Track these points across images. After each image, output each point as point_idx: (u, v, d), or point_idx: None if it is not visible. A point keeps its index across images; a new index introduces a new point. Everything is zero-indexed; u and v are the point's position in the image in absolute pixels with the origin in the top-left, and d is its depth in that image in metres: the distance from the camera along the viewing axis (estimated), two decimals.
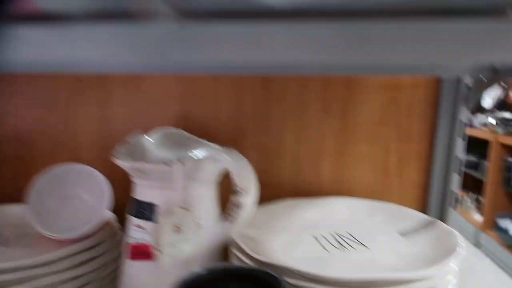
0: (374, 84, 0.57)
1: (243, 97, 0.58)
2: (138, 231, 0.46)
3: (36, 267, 0.41)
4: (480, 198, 2.82)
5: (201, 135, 0.52)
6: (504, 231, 2.41)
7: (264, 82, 0.58)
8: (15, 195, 0.56)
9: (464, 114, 0.54)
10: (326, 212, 0.55)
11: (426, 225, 0.48)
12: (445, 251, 0.41)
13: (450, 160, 0.56)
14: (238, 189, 0.38)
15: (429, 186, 0.58)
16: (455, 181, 0.56)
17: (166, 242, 0.43)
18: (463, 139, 0.54)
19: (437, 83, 0.55)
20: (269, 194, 0.61)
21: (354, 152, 0.59)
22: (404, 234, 0.48)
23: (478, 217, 2.78)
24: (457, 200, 0.56)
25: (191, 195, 0.44)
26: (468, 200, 3.00)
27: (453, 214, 0.56)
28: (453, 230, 0.45)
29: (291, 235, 0.49)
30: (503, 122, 2.63)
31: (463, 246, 0.41)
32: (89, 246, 0.46)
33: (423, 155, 0.58)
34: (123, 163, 0.43)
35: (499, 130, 2.59)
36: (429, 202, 0.58)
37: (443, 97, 0.55)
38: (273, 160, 0.60)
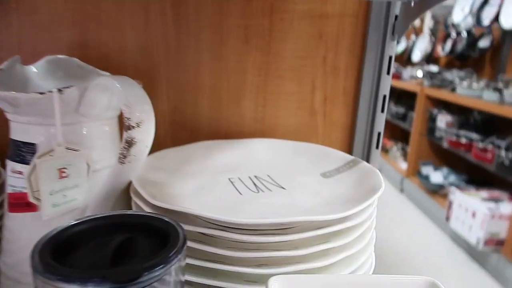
0: (300, 12, 0.51)
1: (151, 24, 0.50)
2: (16, 177, 0.38)
3: None
4: (407, 147, 2.99)
5: (103, 67, 0.44)
6: (425, 177, 2.59)
7: (174, 5, 0.49)
8: None
9: (391, 48, 0.50)
10: (246, 154, 0.50)
11: (349, 165, 0.45)
12: (366, 191, 0.38)
13: (376, 98, 0.52)
14: (129, 122, 0.31)
15: (354, 125, 0.55)
16: (381, 121, 0.54)
17: (48, 189, 0.36)
18: (387, 73, 0.50)
19: (365, 12, 0.51)
20: (184, 135, 0.54)
21: (277, 89, 0.54)
22: (326, 175, 0.45)
23: (404, 166, 2.96)
24: (380, 145, 0.54)
25: (79, 132, 0.37)
26: (395, 149, 3.17)
27: (376, 154, 0.54)
28: (375, 169, 0.42)
29: (204, 179, 0.43)
30: (430, 75, 2.74)
31: (383, 185, 0.38)
32: None
33: (349, 93, 0.54)
34: None
35: (426, 82, 2.70)
36: (354, 142, 0.55)
37: (371, 28, 0.51)
38: (188, 97, 0.53)
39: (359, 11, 0.51)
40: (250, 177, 0.44)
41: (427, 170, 2.63)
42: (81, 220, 0.28)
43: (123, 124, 0.34)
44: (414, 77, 2.85)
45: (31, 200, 0.36)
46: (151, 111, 0.33)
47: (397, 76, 3.21)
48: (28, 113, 0.36)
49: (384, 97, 0.52)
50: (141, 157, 0.34)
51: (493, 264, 1.90)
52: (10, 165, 0.38)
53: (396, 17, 0.49)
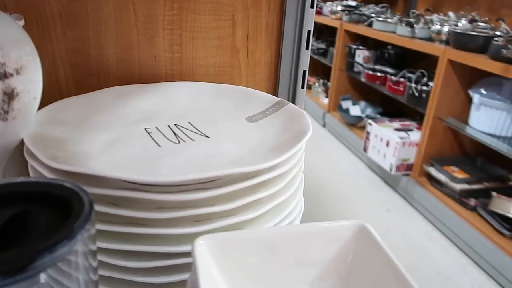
0: None
1: None
2: None
3: None
4: (328, 83, 3.07)
5: None
6: (345, 111, 2.71)
7: None
8: None
9: None
10: (163, 100, 0.45)
11: (275, 107, 0.42)
12: (294, 135, 0.36)
13: (301, 34, 0.49)
14: (5, 69, 0.25)
15: (279, 64, 0.52)
16: (306, 58, 0.51)
17: None
18: (311, 7, 0.47)
19: None
20: (90, 81, 0.47)
21: (194, 25, 0.48)
22: (252, 119, 0.42)
23: (326, 101, 3.07)
24: (305, 84, 0.52)
25: None
26: (317, 85, 3.25)
27: (302, 94, 0.52)
28: (302, 111, 0.40)
29: (115, 132, 0.38)
30: (348, 9, 2.77)
31: (310, 128, 0.36)
32: None
33: (273, 29, 0.50)
34: None
35: (344, 17, 2.73)
36: (279, 82, 0.52)
37: None
38: (89, 34, 0.45)
39: None
40: (169, 126, 0.40)
41: (346, 104, 2.75)
42: None
43: None
44: (334, 11, 2.86)
45: None
46: (35, 54, 0.27)
47: (318, 12, 3.21)
48: None
49: (309, 33, 0.49)
50: (30, 111, 0.28)
51: (403, 187, 2.11)
52: None
53: None
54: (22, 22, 0.32)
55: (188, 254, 0.30)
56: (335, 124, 2.86)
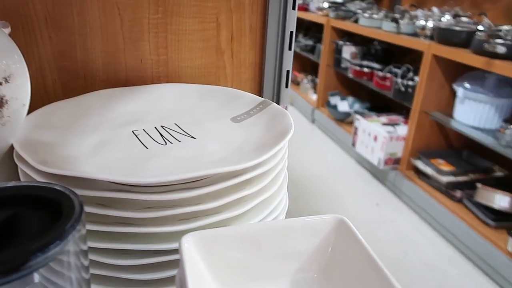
0: None
1: None
2: None
3: None
4: (316, 79, 3.10)
5: None
6: (333, 107, 2.74)
7: None
8: None
9: None
10: (149, 102, 0.46)
11: (259, 107, 0.44)
12: (277, 134, 0.37)
13: (284, 35, 0.51)
14: None
15: (263, 65, 0.53)
16: (289, 58, 0.52)
17: None
18: (293, 8, 0.48)
19: None
20: (77, 84, 0.48)
21: (179, 27, 0.49)
22: (237, 119, 0.43)
23: (314, 97, 3.09)
24: (289, 84, 0.53)
25: None
26: (305, 81, 3.27)
27: (286, 93, 0.54)
28: (285, 111, 0.41)
29: (103, 135, 0.39)
30: (335, 5, 2.79)
31: (293, 127, 0.38)
32: None
33: (256, 30, 0.52)
34: None
35: (331, 14, 2.75)
36: (264, 82, 0.54)
37: None
38: (75, 39, 0.46)
39: None
40: (156, 128, 0.41)
41: (334, 100, 2.77)
42: None
43: None
44: (320, 8, 2.88)
45: None
46: (22, 62, 0.28)
47: (305, 8, 3.22)
48: None
49: (291, 33, 0.51)
50: (19, 117, 0.29)
51: (391, 180, 2.14)
52: None
53: None
54: (8, 30, 0.33)
55: (176, 251, 0.32)
56: (324, 120, 2.89)
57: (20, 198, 0.25)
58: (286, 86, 0.53)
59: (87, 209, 0.30)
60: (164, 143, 0.38)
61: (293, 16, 0.49)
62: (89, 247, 0.31)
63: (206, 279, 0.27)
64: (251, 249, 0.28)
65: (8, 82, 0.26)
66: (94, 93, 0.46)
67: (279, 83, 0.53)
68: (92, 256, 0.31)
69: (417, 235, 1.81)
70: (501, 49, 1.52)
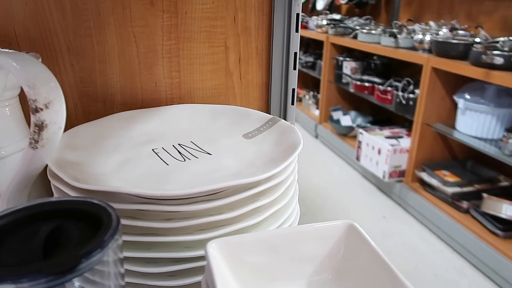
0: None
1: None
2: None
3: None
4: (318, 95, 3.14)
5: None
6: (336, 121, 2.77)
7: None
8: None
9: (297, 5, 0.52)
10: (166, 122, 0.49)
11: (268, 124, 0.47)
12: (286, 148, 0.40)
13: (288, 56, 0.54)
14: (36, 104, 0.29)
15: (270, 84, 0.56)
16: (294, 77, 0.56)
17: None
18: (296, 31, 0.52)
19: None
20: (97, 108, 0.51)
21: (190, 52, 0.53)
22: (248, 135, 0.46)
23: (317, 112, 3.13)
24: (295, 101, 0.56)
25: None
26: (308, 97, 3.32)
27: (292, 110, 0.57)
28: (293, 126, 0.44)
29: (125, 154, 0.42)
30: (333, 23, 2.86)
31: (301, 141, 0.40)
32: None
33: (262, 52, 0.55)
34: None
35: (330, 31, 2.82)
36: (271, 100, 0.57)
37: None
38: (95, 65, 0.50)
39: None
40: (174, 146, 0.44)
41: (337, 115, 2.81)
42: (1, 214, 0.26)
43: (24, 103, 0.31)
44: (319, 26, 2.95)
45: None
46: (59, 89, 0.31)
47: (304, 26, 3.30)
48: None
49: (295, 54, 0.54)
50: (55, 140, 0.32)
51: (397, 193, 2.15)
52: None
53: None
54: (40, 60, 0.37)
55: (197, 258, 0.34)
56: (327, 135, 2.92)
57: (62, 212, 0.28)
58: (292, 103, 0.56)
59: None
60: (183, 160, 0.41)
61: (296, 38, 0.53)
62: None
63: (230, 282, 0.29)
64: (269, 253, 0.31)
65: (48, 108, 0.29)
66: (113, 115, 0.50)
67: (285, 101, 0.56)
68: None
69: (426, 247, 1.81)
70: (499, 60, 1.56)
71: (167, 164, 0.40)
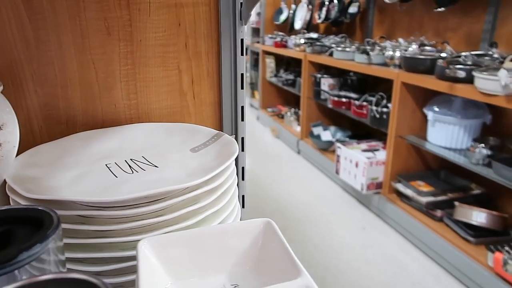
0: (155, 3, 0.55)
1: (3, 19, 0.50)
2: None
3: None
4: (299, 111, 3.22)
5: None
6: (316, 137, 2.84)
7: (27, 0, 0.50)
8: None
9: (241, 31, 0.58)
10: (122, 140, 0.54)
11: (214, 139, 0.52)
12: (224, 158, 0.45)
13: (236, 77, 0.60)
14: None
15: (221, 103, 0.62)
16: (242, 96, 0.61)
17: None
18: (241, 55, 0.58)
19: (216, 0, 0.57)
20: (60, 129, 0.56)
21: (146, 76, 0.58)
22: (195, 149, 0.51)
23: (298, 128, 3.20)
24: (245, 118, 0.62)
25: None
26: (289, 114, 3.39)
27: (243, 126, 0.62)
28: (233, 139, 0.50)
29: (82, 169, 0.47)
30: (310, 41, 2.96)
31: (237, 151, 0.46)
32: None
33: (213, 74, 0.61)
34: None
35: (308, 49, 2.91)
36: (223, 118, 0.62)
37: (222, 15, 0.57)
38: (57, 91, 0.55)
39: (210, 0, 0.57)
40: (126, 161, 0.49)
41: (317, 130, 2.88)
42: None
43: None
44: (297, 44, 3.05)
45: None
46: (12, 112, 0.36)
47: (283, 45, 3.40)
48: None
49: (242, 75, 0.60)
50: (10, 157, 0.37)
51: (375, 205, 2.21)
52: None
53: (241, 4, 0.57)
54: (1, 88, 0.41)
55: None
56: (308, 150, 2.98)
57: (11, 218, 0.32)
58: (242, 120, 0.62)
59: (68, 226, 0.37)
60: (131, 172, 0.45)
61: (242, 61, 0.59)
62: (68, 258, 0.38)
63: (161, 276, 0.34)
64: (198, 249, 0.36)
65: (1, 129, 0.34)
66: (75, 135, 0.54)
67: (235, 118, 0.62)
68: (69, 265, 0.38)
69: (403, 256, 1.86)
70: (461, 74, 1.64)
71: (116, 177, 0.44)
